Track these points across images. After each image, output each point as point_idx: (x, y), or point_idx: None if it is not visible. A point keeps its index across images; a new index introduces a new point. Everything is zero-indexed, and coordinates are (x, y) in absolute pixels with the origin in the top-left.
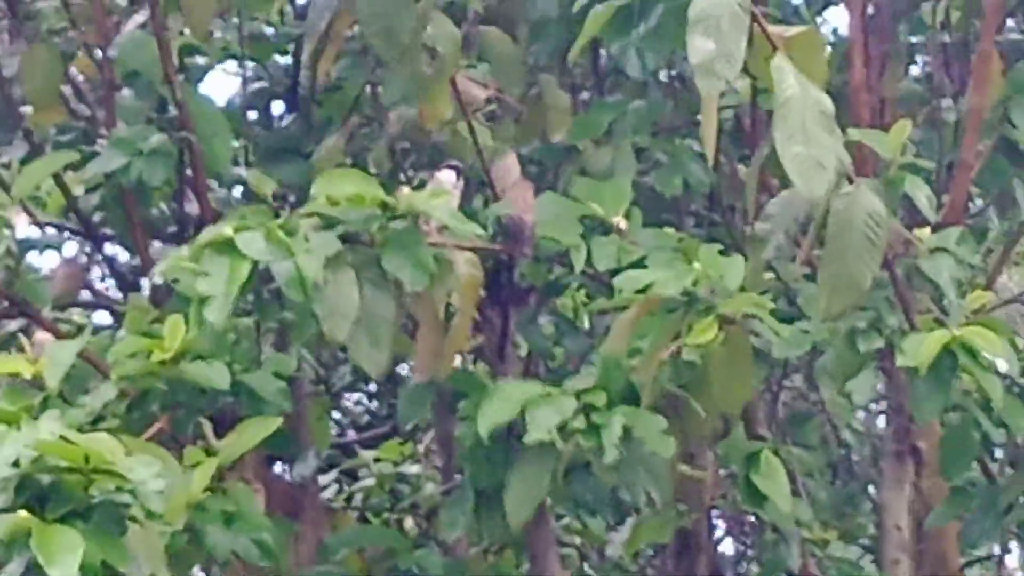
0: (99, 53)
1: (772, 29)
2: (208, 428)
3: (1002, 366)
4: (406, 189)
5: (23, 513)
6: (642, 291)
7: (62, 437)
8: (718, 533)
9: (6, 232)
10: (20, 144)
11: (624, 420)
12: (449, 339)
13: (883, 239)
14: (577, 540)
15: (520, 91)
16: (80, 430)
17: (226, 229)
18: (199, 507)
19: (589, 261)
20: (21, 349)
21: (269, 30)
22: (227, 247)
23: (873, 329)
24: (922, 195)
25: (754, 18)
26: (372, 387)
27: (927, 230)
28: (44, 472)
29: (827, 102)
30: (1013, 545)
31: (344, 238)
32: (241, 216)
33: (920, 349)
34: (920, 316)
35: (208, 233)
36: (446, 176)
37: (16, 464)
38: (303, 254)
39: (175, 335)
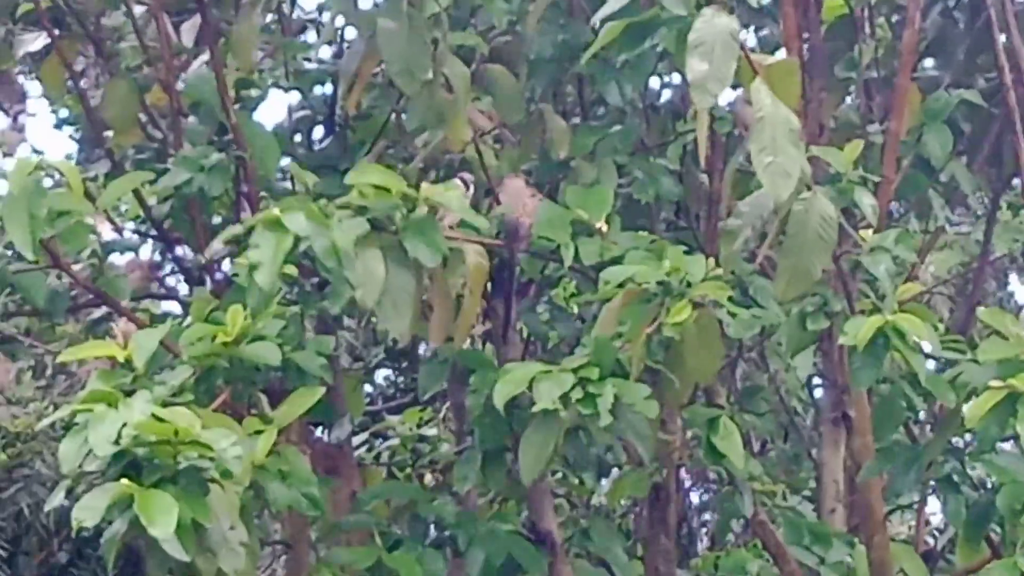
0: (169, 86)
1: (754, 57)
2: (262, 399)
3: (926, 347)
4: (426, 184)
5: (124, 481)
6: (623, 284)
7: (153, 415)
8: (685, 485)
9: (92, 237)
10: (104, 162)
11: (615, 390)
12: (461, 317)
13: (833, 238)
14: (567, 492)
15: (520, 118)
16: (163, 405)
17: (274, 210)
18: (262, 468)
19: (577, 258)
20: (111, 336)
21: (311, 66)
22: (275, 224)
23: (821, 312)
24: (867, 203)
25: (741, 47)
26: (397, 364)
27: (870, 231)
28: (139, 446)
29: (795, 120)
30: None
31: (372, 223)
32: (286, 202)
33: (859, 330)
34: (860, 303)
35: (259, 214)
36: (456, 190)
37: (117, 441)
38: (337, 230)
39: (235, 321)
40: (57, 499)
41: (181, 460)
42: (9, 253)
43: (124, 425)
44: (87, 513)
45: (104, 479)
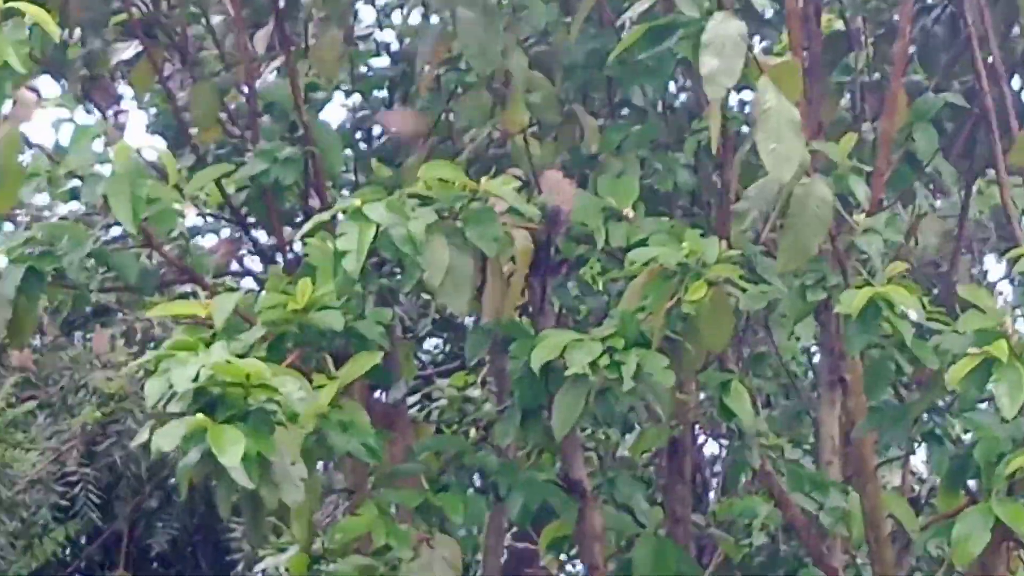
0: (246, 89)
1: (760, 58)
2: (328, 361)
3: (912, 315)
4: (485, 179)
5: (200, 416)
6: (647, 263)
7: (228, 361)
8: (699, 440)
9: (180, 220)
10: (189, 156)
11: (638, 358)
12: (509, 292)
13: (829, 219)
14: (595, 446)
15: (556, 118)
16: (239, 357)
17: (356, 201)
18: (324, 417)
19: (607, 240)
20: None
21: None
22: (358, 214)
23: (819, 286)
24: (860, 190)
25: (749, 48)
26: (444, 334)
27: (862, 216)
28: (215, 386)
29: (796, 113)
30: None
31: (437, 212)
32: (363, 194)
33: (853, 301)
34: (854, 278)
35: (341, 203)
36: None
37: (196, 379)
38: (412, 220)
39: (304, 292)
40: (143, 436)
41: (251, 401)
42: (102, 236)
43: (202, 367)
44: (165, 440)
45: (182, 415)
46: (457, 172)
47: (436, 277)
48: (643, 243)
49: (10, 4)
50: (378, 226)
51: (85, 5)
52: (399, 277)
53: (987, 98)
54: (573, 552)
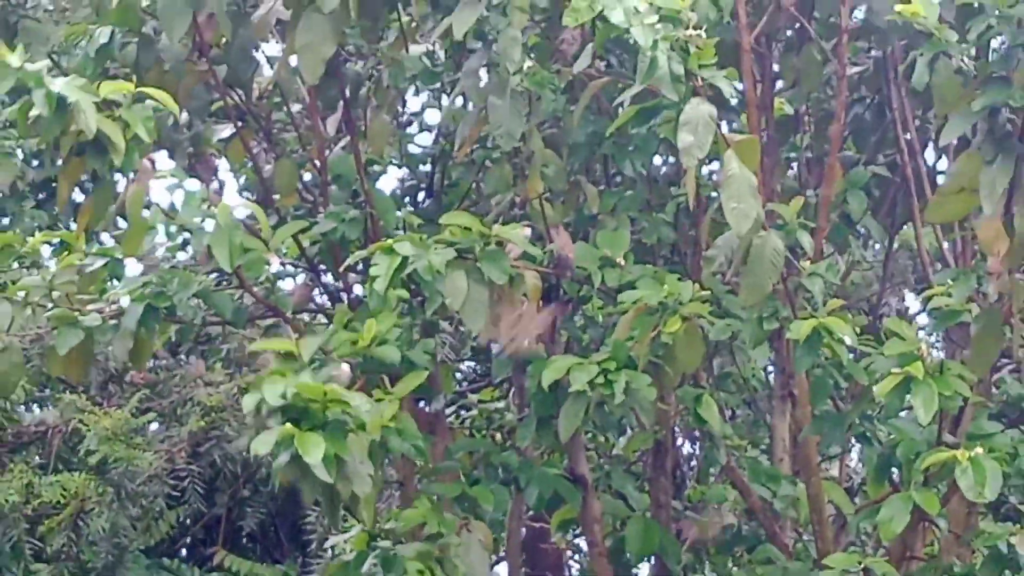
0: (319, 163)
1: (727, 135)
2: (386, 381)
3: (847, 341)
4: (497, 225)
5: (288, 425)
6: (635, 302)
7: (311, 384)
8: (678, 441)
9: (266, 267)
10: (272, 217)
11: (627, 378)
12: (525, 323)
13: (780, 264)
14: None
15: (563, 186)
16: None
17: (387, 242)
18: (385, 426)
19: (603, 282)
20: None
21: (416, 151)
22: (388, 250)
23: (772, 317)
24: (806, 241)
25: (717, 127)
26: (476, 358)
27: (808, 262)
28: (300, 402)
29: (754, 180)
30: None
31: (458, 252)
32: (397, 237)
33: (800, 330)
34: (800, 312)
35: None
36: (524, 231)
37: (284, 396)
38: (433, 254)
39: (370, 330)
40: (242, 443)
41: (328, 414)
42: (204, 279)
43: (289, 387)
44: (262, 446)
45: (273, 421)
46: (474, 220)
47: (456, 303)
48: (632, 285)
49: (139, 89)
50: (404, 258)
51: (191, 95)
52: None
53: (907, 169)
54: (578, 531)
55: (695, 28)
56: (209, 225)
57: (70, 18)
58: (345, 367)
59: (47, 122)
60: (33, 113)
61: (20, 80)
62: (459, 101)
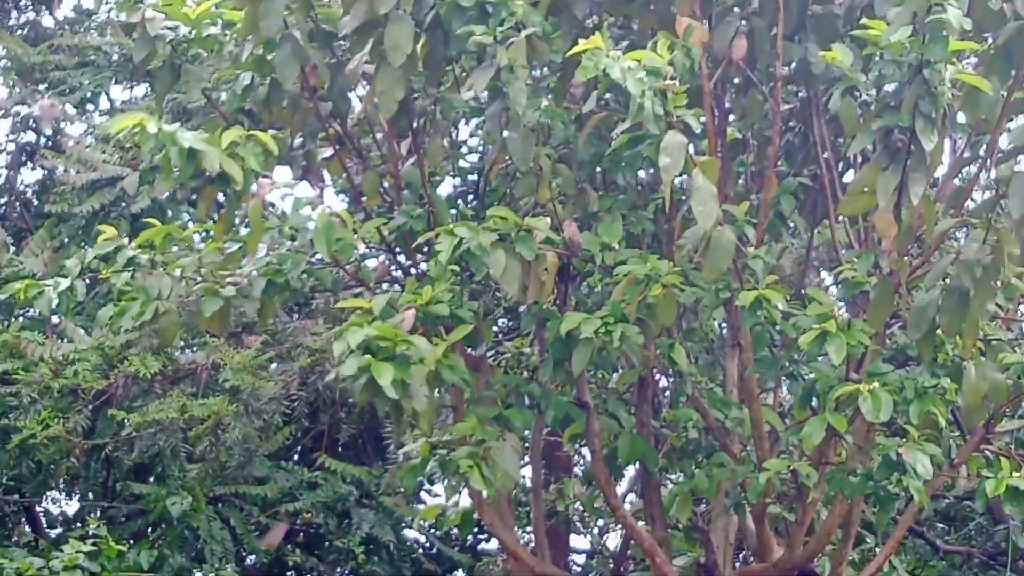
0: (395, 174)
1: (694, 156)
2: (443, 332)
3: (780, 306)
4: (528, 218)
5: (367, 357)
6: (626, 275)
7: (385, 326)
8: (657, 377)
9: (355, 251)
10: (361, 214)
11: (621, 329)
12: (544, 289)
13: (732, 250)
14: (596, 380)
15: (572, 191)
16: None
17: (449, 226)
18: (439, 361)
19: (603, 260)
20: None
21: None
22: (449, 232)
23: (726, 288)
24: (751, 233)
25: (687, 150)
26: (509, 315)
27: (752, 248)
28: (375, 340)
29: (714, 189)
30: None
31: (499, 236)
32: (456, 224)
33: (746, 297)
34: (747, 284)
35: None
36: (545, 221)
37: (363, 340)
38: (482, 236)
39: (427, 293)
40: (333, 373)
41: (396, 350)
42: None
43: (367, 333)
44: (347, 369)
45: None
46: (511, 213)
47: (497, 272)
48: (623, 263)
49: (251, 133)
50: (461, 239)
51: (303, 124)
52: (473, 275)
53: (824, 179)
54: (582, 443)
55: (671, 79)
56: (311, 224)
57: (218, 66)
58: (409, 313)
59: (182, 167)
60: (172, 161)
61: (159, 140)
62: (489, 132)
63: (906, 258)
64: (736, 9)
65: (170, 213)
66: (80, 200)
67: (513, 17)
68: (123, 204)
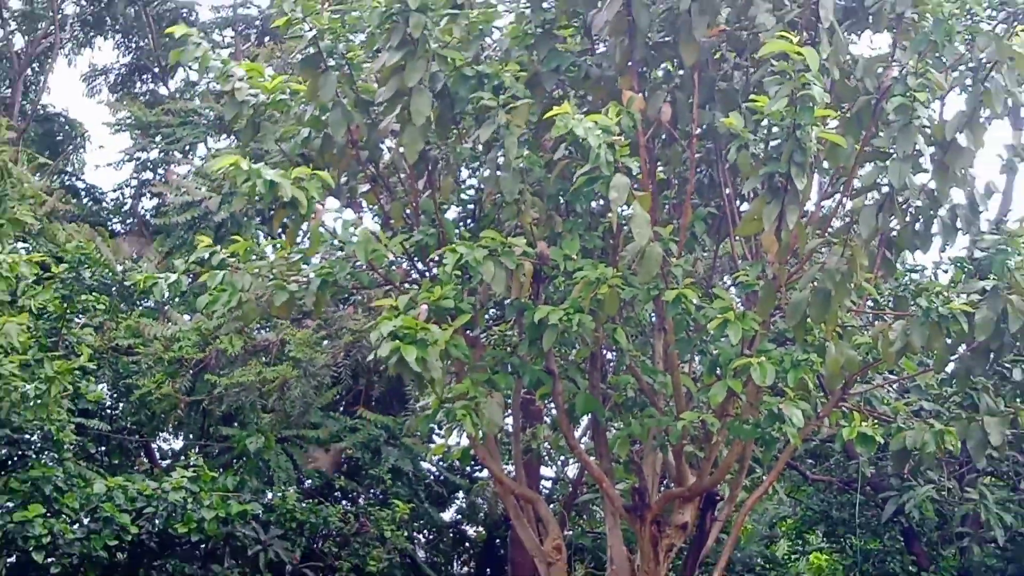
0: (414, 204)
1: (634, 191)
2: (449, 319)
3: (694, 300)
4: (510, 238)
5: (396, 341)
6: (582, 278)
7: (409, 319)
8: (605, 353)
9: (386, 259)
10: (389, 232)
11: (579, 318)
12: (523, 288)
13: (659, 260)
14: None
15: (543, 217)
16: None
17: (453, 245)
18: (447, 342)
19: (565, 267)
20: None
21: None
22: (453, 250)
23: (655, 288)
24: (674, 248)
25: (629, 186)
26: (497, 307)
27: (675, 258)
28: (402, 329)
29: (647, 216)
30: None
31: (489, 251)
32: (458, 243)
33: (669, 295)
34: (670, 285)
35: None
36: (522, 240)
37: (393, 329)
38: (476, 251)
39: (437, 291)
40: (373, 354)
41: (418, 334)
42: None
43: (395, 323)
44: (383, 351)
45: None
46: (497, 234)
47: (488, 277)
48: (580, 269)
49: (314, 172)
50: (461, 254)
51: (347, 167)
52: (470, 278)
53: (727, 209)
54: (550, 400)
55: (618, 135)
56: (354, 239)
57: (285, 123)
58: (424, 308)
59: (264, 194)
60: (258, 189)
61: (248, 175)
62: (486, 173)
63: (785, 267)
64: (664, 85)
65: (242, 226)
66: (177, 215)
67: (504, 86)
68: (208, 218)
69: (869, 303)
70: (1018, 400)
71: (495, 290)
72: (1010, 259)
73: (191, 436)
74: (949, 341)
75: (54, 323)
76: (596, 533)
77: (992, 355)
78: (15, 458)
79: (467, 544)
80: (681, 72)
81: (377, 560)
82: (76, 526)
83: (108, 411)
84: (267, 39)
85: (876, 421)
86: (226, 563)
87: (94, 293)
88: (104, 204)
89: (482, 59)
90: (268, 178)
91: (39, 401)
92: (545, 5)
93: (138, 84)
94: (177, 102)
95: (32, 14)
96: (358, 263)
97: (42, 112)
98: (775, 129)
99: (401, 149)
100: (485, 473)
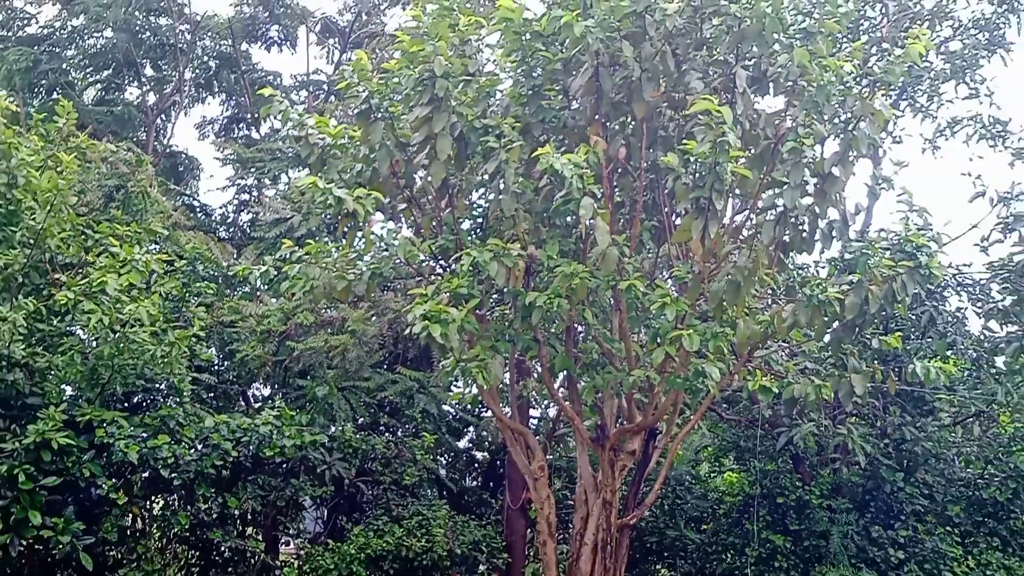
0: (439, 223)
1: (599, 208)
2: (465, 302)
3: (642, 289)
4: (508, 244)
5: (426, 320)
6: (561, 273)
7: (436, 304)
8: (577, 327)
9: (419, 256)
10: (420, 237)
11: (558, 302)
12: (518, 279)
13: (616, 259)
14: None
15: (532, 228)
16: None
17: (468, 249)
18: (463, 320)
19: (547, 264)
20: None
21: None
22: (468, 253)
23: (614, 279)
24: (626, 251)
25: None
26: (500, 294)
27: (628, 258)
28: (430, 311)
29: (607, 227)
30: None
31: (494, 253)
32: (471, 249)
33: (623, 285)
34: (624, 277)
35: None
36: (518, 245)
37: (424, 311)
38: (485, 254)
39: (454, 282)
40: (409, 329)
41: (441, 315)
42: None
43: (425, 307)
44: (416, 328)
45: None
46: (499, 240)
47: (492, 272)
48: (559, 266)
49: (370, 192)
50: (473, 256)
51: (390, 191)
52: (480, 273)
53: (666, 223)
54: (537, 360)
55: (586, 169)
56: (396, 242)
57: (344, 159)
58: (445, 295)
59: (334, 208)
60: (329, 205)
61: (322, 193)
62: (491, 196)
63: (707, 265)
64: (620, 133)
65: (314, 236)
66: (267, 231)
67: (504, 134)
68: (291, 230)
69: (768, 291)
70: (876, 362)
71: (497, 281)
72: (871, 260)
73: (275, 386)
74: (826, 319)
75: (176, 304)
76: (569, 457)
77: (857, 329)
78: (148, 401)
79: (476, 464)
80: (633, 123)
81: (411, 476)
82: (192, 451)
83: (216, 368)
84: (332, 98)
85: (772, 377)
86: (300, 478)
87: (205, 282)
88: (213, 218)
89: (488, 113)
90: (337, 194)
91: (165, 360)
92: (534, 75)
93: (236, 130)
94: (266, 143)
95: (161, 79)
96: (399, 260)
97: (168, 151)
98: (701, 165)
99: (429, 178)
100: (489, 413)
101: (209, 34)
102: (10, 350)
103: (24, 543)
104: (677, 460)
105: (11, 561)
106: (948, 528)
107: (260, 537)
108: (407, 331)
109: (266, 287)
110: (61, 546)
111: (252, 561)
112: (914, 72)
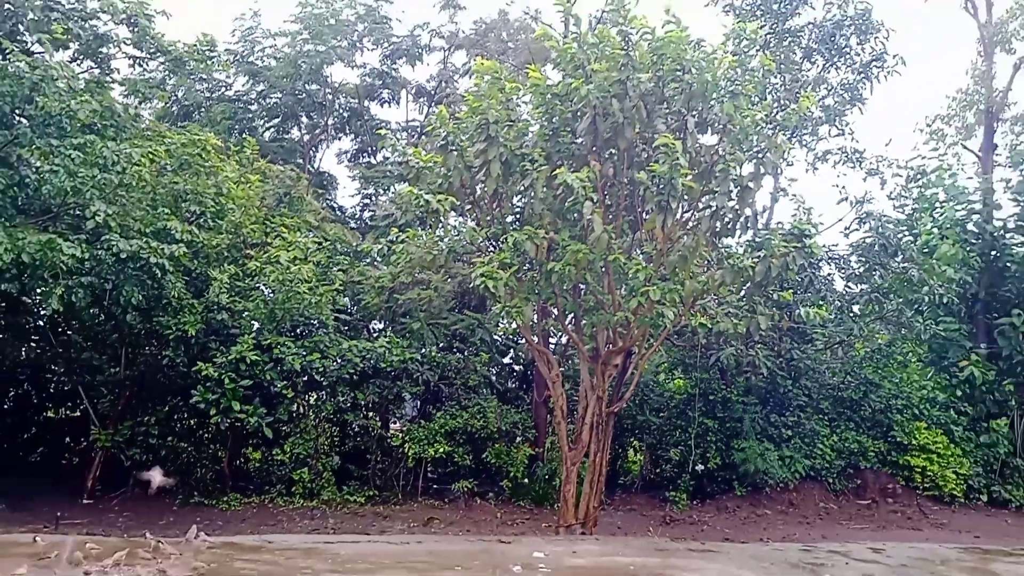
0: (490, 216)
1: (596, 208)
2: (508, 266)
3: (610, 260)
4: (536, 229)
5: (483, 277)
6: (570, 250)
7: (489, 267)
8: (580, 285)
9: (479, 238)
10: (480, 228)
11: (568, 269)
12: (541, 253)
13: (607, 241)
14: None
15: (552, 222)
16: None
17: (511, 234)
18: (507, 279)
19: (561, 245)
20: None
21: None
22: (511, 236)
23: (605, 255)
24: (614, 235)
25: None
26: (529, 264)
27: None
28: (486, 273)
29: (601, 221)
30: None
31: (528, 236)
32: (512, 232)
33: (611, 258)
34: (611, 254)
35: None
36: (543, 231)
37: (482, 272)
38: (521, 237)
39: (501, 256)
40: (472, 283)
41: (493, 275)
42: (461, 242)
43: (482, 269)
44: (477, 282)
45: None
46: (532, 229)
47: (527, 249)
48: (568, 246)
49: (445, 196)
50: (515, 239)
51: (458, 195)
52: (518, 249)
53: (640, 218)
54: (555, 306)
55: (588, 183)
56: (464, 230)
57: (431, 175)
58: (495, 263)
59: (424, 208)
60: (421, 206)
61: (416, 198)
62: (525, 200)
63: (666, 244)
64: (610, 158)
65: (411, 226)
66: (382, 221)
67: (534, 159)
68: (396, 221)
69: (705, 262)
70: (775, 308)
71: (529, 255)
72: (772, 241)
73: (386, 323)
74: (743, 280)
75: (324, 269)
76: (576, 369)
77: (763, 287)
78: (306, 332)
79: (514, 372)
80: (617, 153)
81: (473, 380)
82: (334, 363)
83: (349, 311)
84: (422, 136)
85: (707, 317)
86: (403, 381)
87: (342, 255)
88: (347, 214)
89: (524, 146)
90: (426, 199)
91: (317, 305)
92: (553, 121)
93: (361, 157)
94: (381, 166)
95: (313, 124)
96: (466, 242)
97: (317, 171)
98: (662, 180)
99: (485, 188)
100: (524, 340)
101: (343, 95)
102: (219, 299)
103: (228, 421)
104: (644, 371)
105: (221, 433)
106: (820, 415)
107: (377, 419)
108: (471, 286)
109: (380, 259)
110: (251, 424)
111: (372, 434)
112: (802, 119)
